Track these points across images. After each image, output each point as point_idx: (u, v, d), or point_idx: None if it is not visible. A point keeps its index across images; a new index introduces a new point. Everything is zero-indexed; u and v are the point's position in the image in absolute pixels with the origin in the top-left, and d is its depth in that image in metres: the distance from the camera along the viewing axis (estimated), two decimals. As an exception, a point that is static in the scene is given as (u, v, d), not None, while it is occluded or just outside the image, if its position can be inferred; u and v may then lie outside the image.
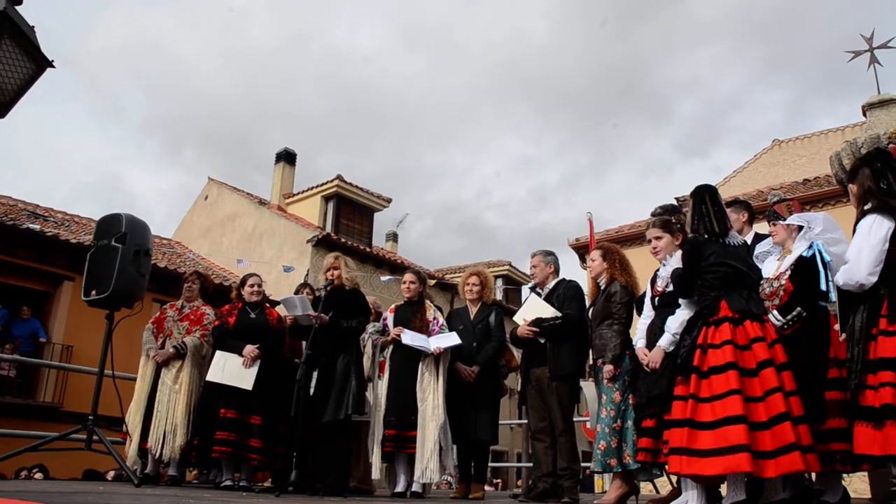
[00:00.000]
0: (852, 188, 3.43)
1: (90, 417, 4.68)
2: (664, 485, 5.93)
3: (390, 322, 5.29)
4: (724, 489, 3.44)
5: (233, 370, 5.13)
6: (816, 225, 3.83)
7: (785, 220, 4.06)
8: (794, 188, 13.56)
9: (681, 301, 3.69)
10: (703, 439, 3.13)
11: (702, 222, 3.55)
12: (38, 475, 8.23)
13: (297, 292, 5.34)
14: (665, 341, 3.67)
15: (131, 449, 5.21)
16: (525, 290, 19.24)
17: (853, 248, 3.18)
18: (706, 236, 3.52)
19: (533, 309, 4.91)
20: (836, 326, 3.53)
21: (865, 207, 3.25)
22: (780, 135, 19.40)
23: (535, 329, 4.80)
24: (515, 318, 5.00)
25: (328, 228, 18.53)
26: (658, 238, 4.04)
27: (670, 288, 3.91)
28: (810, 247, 3.66)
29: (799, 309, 3.44)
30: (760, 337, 3.22)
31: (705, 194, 3.59)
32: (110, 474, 8.64)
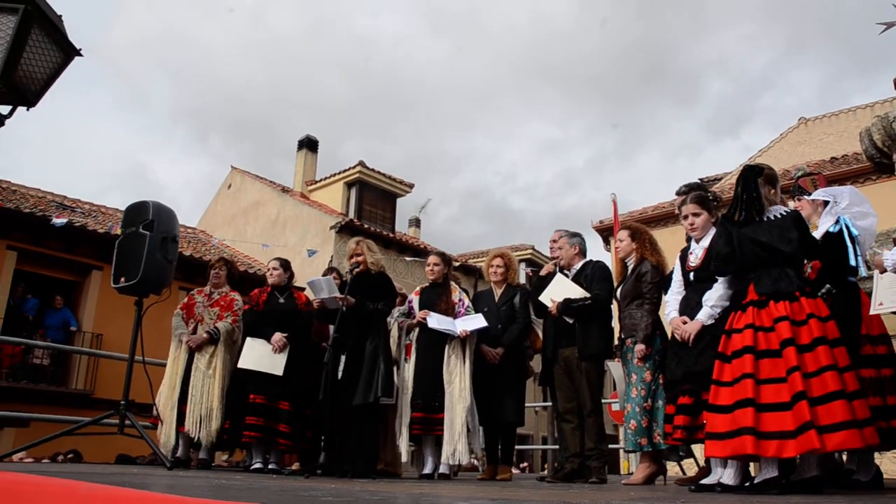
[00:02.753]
0: None
1: (122, 402, 4.76)
2: (690, 466, 5.91)
3: (416, 304, 5.29)
4: (753, 467, 3.42)
5: (263, 356, 5.19)
6: (843, 199, 3.75)
7: (810, 194, 3.99)
8: (822, 166, 13.35)
9: (718, 277, 3.65)
10: (720, 422, 3.13)
11: (733, 204, 3.50)
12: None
13: (325, 275, 5.37)
14: (704, 314, 3.62)
15: (164, 433, 5.29)
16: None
17: None
18: (737, 219, 3.47)
19: (561, 289, 4.90)
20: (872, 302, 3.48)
21: None
22: (815, 113, 18.99)
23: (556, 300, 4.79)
24: (542, 297, 4.98)
25: (351, 214, 18.59)
26: (696, 215, 3.97)
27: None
28: (837, 221, 3.59)
29: (829, 286, 3.38)
30: (784, 316, 3.17)
31: (742, 178, 3.54)
32: (140, 461, 8.79)
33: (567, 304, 4.78)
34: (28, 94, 3.45)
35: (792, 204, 4.26)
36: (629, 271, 4.72)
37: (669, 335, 4.02)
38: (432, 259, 5.42)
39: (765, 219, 3.39)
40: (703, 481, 3.64)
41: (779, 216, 3.40)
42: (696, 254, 3.95)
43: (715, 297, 3.59)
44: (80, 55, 3.62)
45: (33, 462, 6.94)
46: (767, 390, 3.05)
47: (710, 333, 3.56)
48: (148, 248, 4.84)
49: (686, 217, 4.02)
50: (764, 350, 3.13)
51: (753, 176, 3.48)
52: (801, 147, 18.26)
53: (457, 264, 14.94)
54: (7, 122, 3.42)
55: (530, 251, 24.19)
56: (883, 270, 3.17)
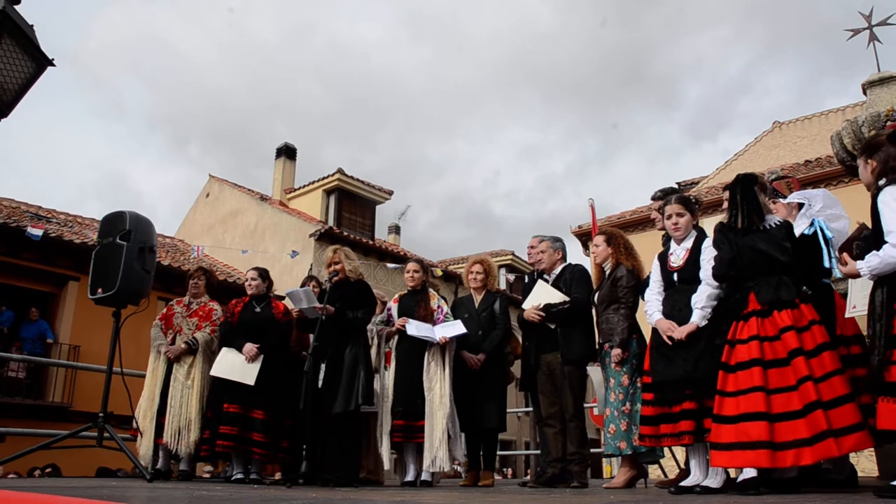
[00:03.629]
0: (870, 163, 3.28)
1: (101, 414, 4.71)
2: (672, 468, 5.97)
3: (395, 312, 5.30)
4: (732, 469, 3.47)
5: (236, 366, 5.16)
6: (816, 202, 3.83)
7: (785, 197, 4.06)
8: (796, 169, 13.54)
9: (703, 278, 3.70)
10: (725, 433, 3.17)
11: (733, 212, 3.55)
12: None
13: (302, 285, 5.36)
14: (697, 317, 3.64)
15: (143, 445, 5.25)
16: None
17: (889, 221, 2.94)
18: (740, 226, 3.51)
19: (541, 295, 4.93)
20: (848, 304, 3.54)
21: (881, 182, 3.15)
22: (793, 116, 19.24)
23: (541, 313, 4.81)
24: (524, 304, 5.01)
25: (330, 222, 18.54)
26: (680, 215, 4.03)
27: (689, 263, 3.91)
28: (811, 224, 3.65)
29: (805, 287, 3.44)
30: (790, 326, 3.22)
31: (738, 185, 3.59)
32: (120, 474, 8.70)
33: (547, 309, 4.81)
34: (0, 104, 3.42)
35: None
36: (605, 276, 4.76)
37: (648, 336, 4.05)
38: (411, 266, 5.43)
39: (762, 227, 3.47)
40: (683, 483, 3.68)
41: (774, 225, 3.49)
42: (678, 254, 3.99)
43: (704, 298, 3.64)
44: (53, 65, 3.60)
45: (11, 477, 6.84)
46: (778, 400, 3.10)
47: (704, 338, 3.60)
48: (125, 259, 4.80)
49: (670, 217, 4.06)
50: (771, 360, 3.19)
51: (751, 184, 3.55)
52: (776, 150, 18.50)
53: (439, 272, 14.94)
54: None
55: (510, 257, 24.28)
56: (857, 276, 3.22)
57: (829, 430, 2.98)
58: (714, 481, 3.50)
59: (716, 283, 3.61)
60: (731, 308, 3.48)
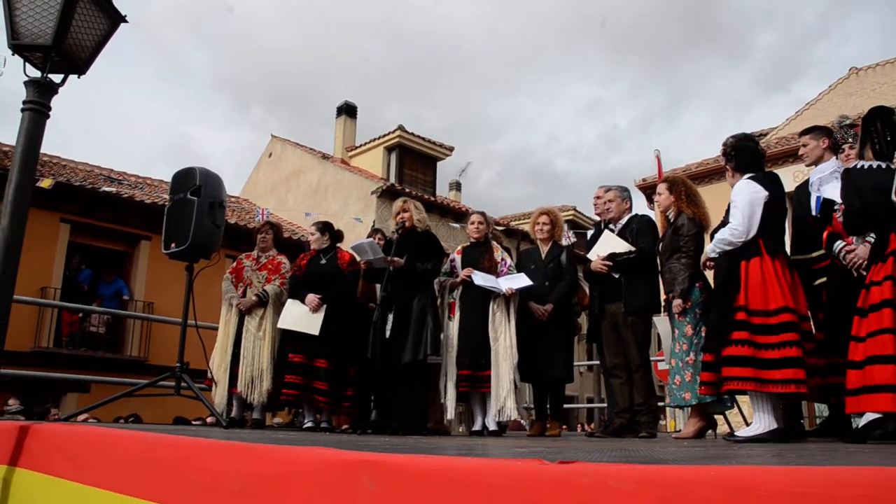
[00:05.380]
0: None
1: (178, 364, 4.88)
2: (739, 423, 5.87)
3: (458, 263, 5.29)
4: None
5: (301, 317, 5.26)
6: None
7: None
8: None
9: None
10: (853, 378, 3.10)
11: (874, 145, 3.37)
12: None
13: (369, 237, 5.40)
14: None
15: (218, 394, 5.43)
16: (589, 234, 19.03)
17: None
18: (872, 164, 3.35)
19: (607, 244, 4.85)
20: None
21: None
22: (872, 62, 18.28)
23: (608, 263, 4.75)
24: (590, 254, 4.95)
25: (392, 179, 18.62)
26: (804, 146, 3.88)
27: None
28: None
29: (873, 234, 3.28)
30: None
31: (876, 117, 3.40)
32: (196, 422, 9.06)
33: (612, 258, 4.75)
34: (78, 61, 3.50)
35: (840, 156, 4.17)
36: (669, 224, 4.65)
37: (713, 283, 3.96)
38: (475, 217, 5.39)
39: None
40: (742, 432, 3.63)
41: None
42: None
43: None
44: (126, 21, 3.65)
45: (91, 422, 7.20)
46: None
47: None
48: (196, 214, 4.90)
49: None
50: None
51: (889, 116, 3.37)
52: (853, 98, 17.64)
53: (500, 228, 14.89)
54: (60, 91, 3.48)
55: (572, 212, 23.99)
56: None
57: None
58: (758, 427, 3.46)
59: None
60: (873, 250, 3.34)
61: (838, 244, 3.75)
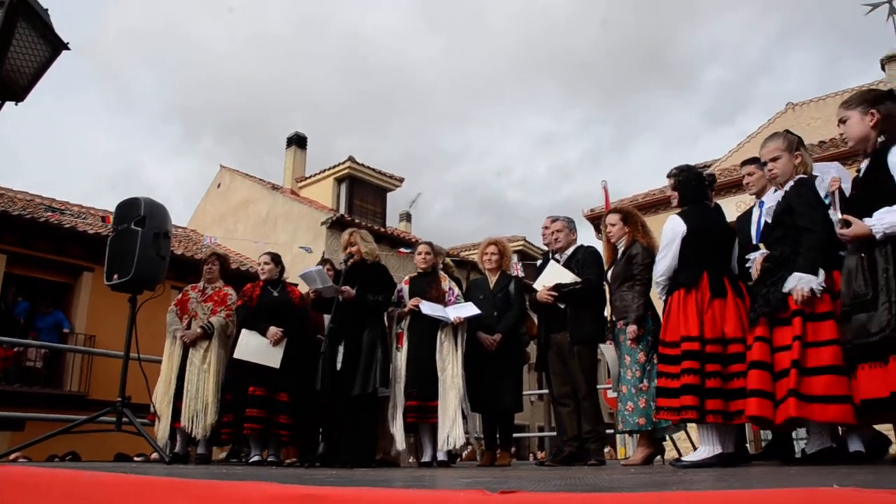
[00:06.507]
0: (873, 115, 3.02)
1: (119, 399, 4.74)
2: (687, 448, 5.96)
3: (406, 293, 5.29)
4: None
5: (259, 348, 5.19)
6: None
7: None
8: (810, 150, 13.41)
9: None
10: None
11: None
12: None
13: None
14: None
15: (161, 429, 5.28)
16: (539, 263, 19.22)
17: None
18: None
19: (553, 275, 4.92)
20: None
21: (881, 139, 2.96)
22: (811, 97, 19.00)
23: (554, 294, 4.81)
24: (536, 285, 5.00)
25: (342, 210, 18.56)
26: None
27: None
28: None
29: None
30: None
31: None
32: (138, 458, 8.77)
33: (558, 289, 4.81)
34: (16, 88, 3.43)
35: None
36: (619, 254, 4.74)
37: (661, 313, 4.02)
38: (423, 248, 5.41)
39: None
40: (688, 458, 3.70)
41: None
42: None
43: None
44: (68, 48, 3.60)
45: (21, 461, 6.91)
46: None
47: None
48: (140, 245, 4.81)
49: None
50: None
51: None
52: (790, 132, 18.30)
53: (449, 260, 14.94)
54: (-4, 118, 3.40)
55: (522, 242, 24.21)
56: None
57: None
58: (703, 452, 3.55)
59: None
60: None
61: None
